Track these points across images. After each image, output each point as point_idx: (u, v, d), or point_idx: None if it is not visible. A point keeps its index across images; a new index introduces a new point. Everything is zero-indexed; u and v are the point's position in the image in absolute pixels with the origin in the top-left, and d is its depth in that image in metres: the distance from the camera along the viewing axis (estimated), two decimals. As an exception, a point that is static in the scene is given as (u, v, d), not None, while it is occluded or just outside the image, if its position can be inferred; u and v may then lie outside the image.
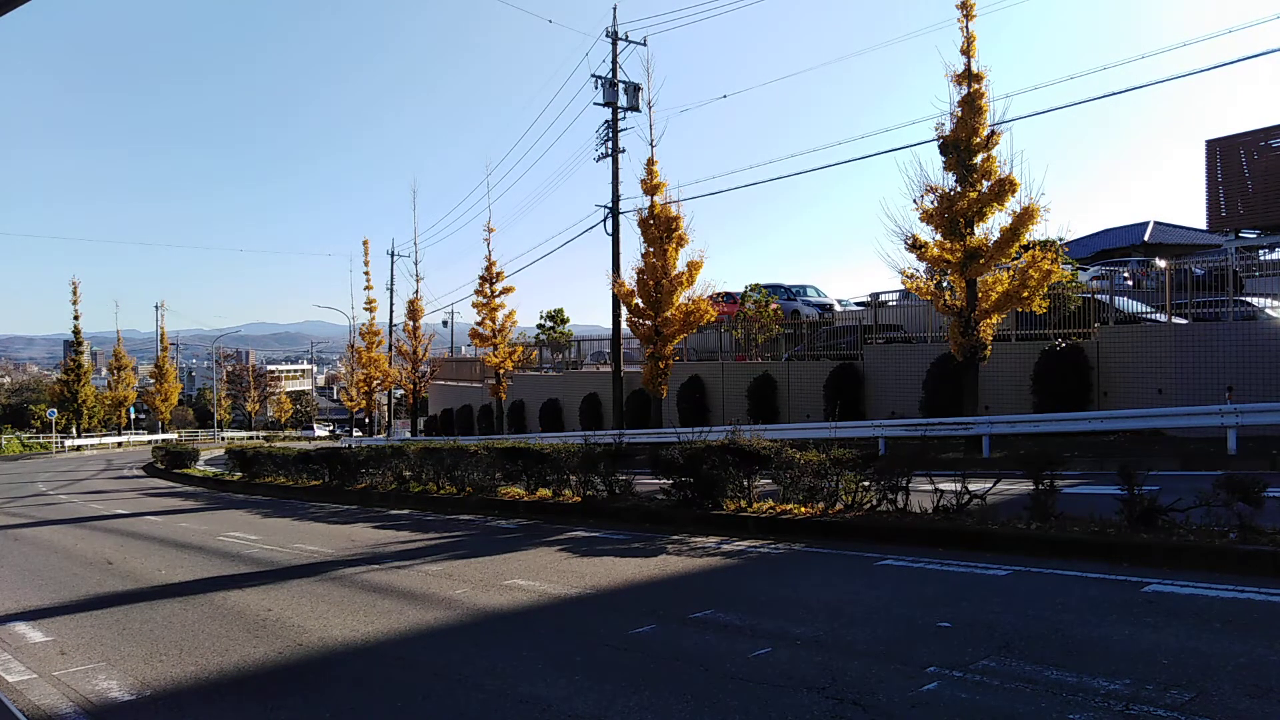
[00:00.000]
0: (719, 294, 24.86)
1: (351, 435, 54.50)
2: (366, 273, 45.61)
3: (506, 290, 31.94)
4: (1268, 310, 16.51)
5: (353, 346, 49.94)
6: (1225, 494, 6.56)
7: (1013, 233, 15.36)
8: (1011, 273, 15.81)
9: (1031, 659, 4.49)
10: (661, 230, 22.17)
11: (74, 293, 59.00)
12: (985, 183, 15.76)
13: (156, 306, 66.37)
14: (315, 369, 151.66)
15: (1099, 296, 18.57)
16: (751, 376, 23.81)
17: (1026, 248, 15.80)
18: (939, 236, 16.13)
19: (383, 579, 8.16)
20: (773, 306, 26.21)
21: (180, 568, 9.69)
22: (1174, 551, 6.46)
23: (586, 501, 12.02)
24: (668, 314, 22.14)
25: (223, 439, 63.26)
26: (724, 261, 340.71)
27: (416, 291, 40.78)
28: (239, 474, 24.78)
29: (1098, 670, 4.26)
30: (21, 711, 4.64)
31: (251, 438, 66.38)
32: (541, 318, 45.30)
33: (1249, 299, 16.99)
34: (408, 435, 44.21)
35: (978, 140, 15.77)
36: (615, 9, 25.18)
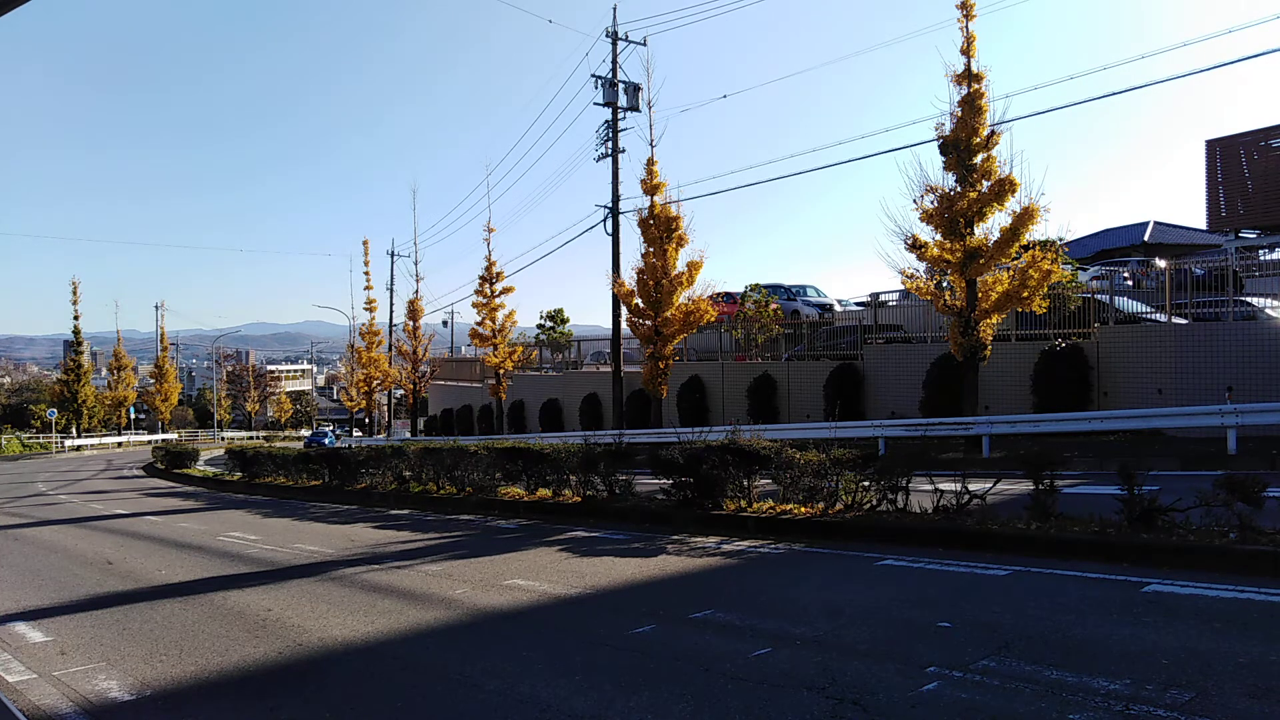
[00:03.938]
0: (719, 294, 24.86)
1: (351, 435, 54.46)
2: (366, 273, 45.68)
3: (506, 290, 31.97)
4: (1268, 310, 16.50)
5: (353, 346, 49.97)
6: (1225, 494, 6.56)
7: (1013, 233, 15.37)
8: (1011, 273, 15.81)
9: (1031, 659, 4.49)
10: (661, 230, 22.18)
11: (74, 293, 59.11)
12: (985, 183, 15.76)
13: (156, 306, 66.43)
14: (315, 369, 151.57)
15: (1099, 296, 18.57)
16: (751, 376, 23.81)
17: (1026, 248, 15.80)
18: (939, 236, 16.13)
19: (383, 579, 8.16)
20: (773, 306, 26.22)
21: (180, 568, 9.69)
22: (1174, 551, 6.46)
23: (586, 501, 12.02)
24: (668, 314, 22.14)
25: (223, 439, 63.27)
26: (724, 261, 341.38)
27: (416, 291, 40.85)
28: (239, 474, 24.79)
29: (1098, 670, 4.25)
30: (21, 711, 4.63)
31: (251, 438, 66.41)
32: (541, 318, 45.31)
33: (1249, 299, 16.98)
34: (407, 435, 44.15)
35: (978, 140, 15.77)
36: (615, 9, 25.21)
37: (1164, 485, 7.80)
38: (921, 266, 17.08)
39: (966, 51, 15.91)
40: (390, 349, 45.48)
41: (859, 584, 6.62)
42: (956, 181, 16.02)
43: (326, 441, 41.85)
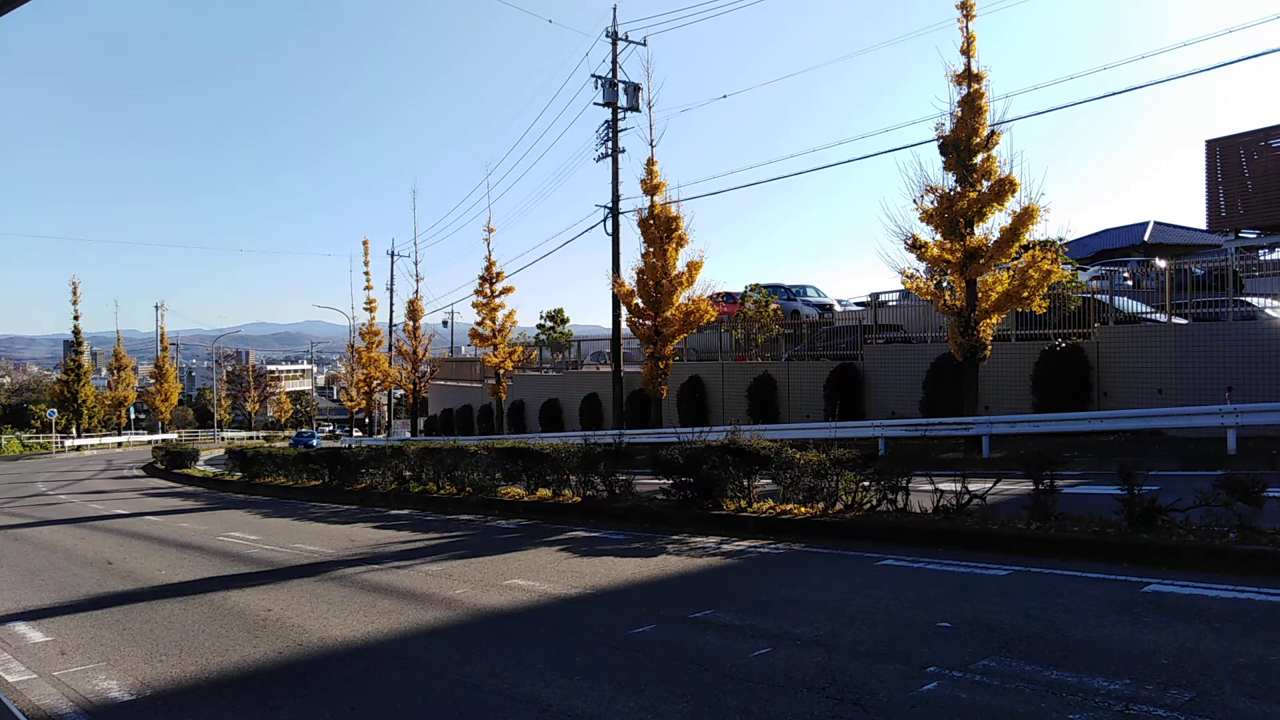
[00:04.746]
0: (719, 294, 24.86)
1: (351, 435, 54.44)
2: (366, 273, 45.69)
3: (506, 290, 31.97)
4: (1268, 310, 16.49)
5: (353, 347, 49.96)
6: (1225, 494, 6.56)
7: (1013, 233, 15.37)
8: (1011, 273, 15.81)
9: (1031, 659, 4.49)
10: (661, 230, 22.17)
11: (74, 293, 59.17)
12: (985, 183, 15.76)
13: (156, 306, 66.47)
14: (315, 369, 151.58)
15: (1099, 296, 18.56)
16: (751, 376, 23.81)
17: (1026, 248, 15.80)
18: (939, 236, 16.13)
19: (383, 579, 8.16)
20: (773, 306, 26.22)
21: (180, 568, 9.69)
22: (1174, 551, 6.46)
23: (586, 501, 12.03)
24: (668, 314, 22.14)
25: (223, 439, 63.27)
26: (724, 261, 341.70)
27: (416, 291, 40.83)
28: (239, 474, 24.79)
29: (1098, 670, 4.25)
30: (21, 711, 4.63)
31: (251, 438, 66.39)
32: (541, 318, 45.35)
33: (1249, 299, 16.98)
34: (407, 435, 44.12)
35: (978, 140, 15.77)
36: (615, 9, 25.23)
37: (1164, 485, 7.80)
38: (921, 266, 17.08)
39: (966, 51, 15.91)
40: (390, 349, 45.49)
41: (859, 584, 6.62)
42: (956, 181, 16.02)
43: (313, 443, 41.71)
